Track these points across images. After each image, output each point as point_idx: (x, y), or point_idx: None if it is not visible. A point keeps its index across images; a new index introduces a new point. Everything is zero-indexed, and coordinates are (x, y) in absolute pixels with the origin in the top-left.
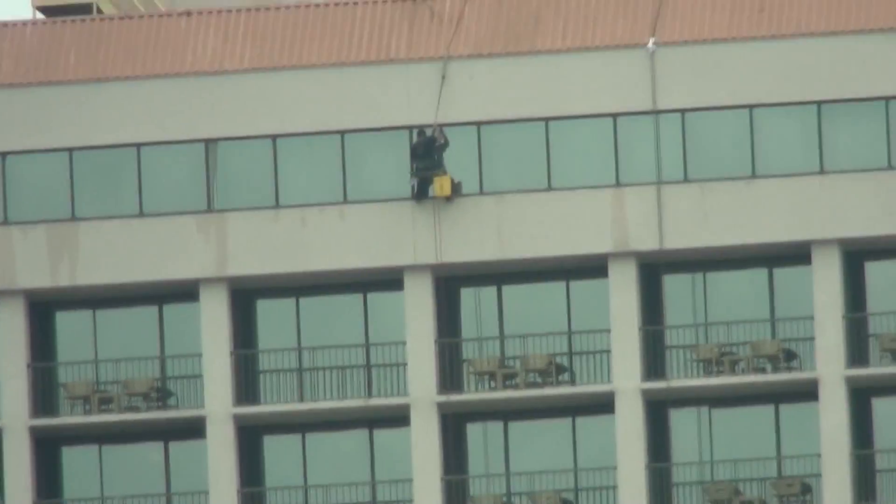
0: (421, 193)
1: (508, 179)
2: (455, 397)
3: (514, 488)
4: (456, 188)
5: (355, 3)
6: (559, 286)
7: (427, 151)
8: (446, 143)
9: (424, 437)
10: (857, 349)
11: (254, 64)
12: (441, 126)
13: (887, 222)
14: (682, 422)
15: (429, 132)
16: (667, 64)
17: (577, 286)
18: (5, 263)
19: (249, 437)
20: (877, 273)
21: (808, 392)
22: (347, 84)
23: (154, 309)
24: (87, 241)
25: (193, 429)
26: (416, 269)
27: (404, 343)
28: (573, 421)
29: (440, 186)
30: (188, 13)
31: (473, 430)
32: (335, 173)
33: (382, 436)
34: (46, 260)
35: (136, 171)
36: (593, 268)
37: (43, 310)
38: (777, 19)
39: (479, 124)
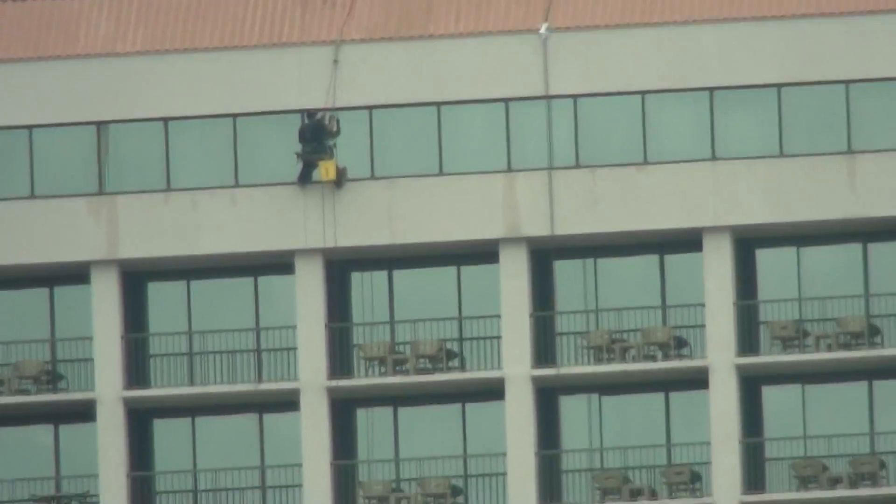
0: (305, 177)
1: (400, 164)
2: (345, 382)
3: (404, 474)
4: (341, 174)
5: None
6: (450, 271)
7: (315, 135)
8: (338, 132)
9: (314, 422)
10: (748, 337)
11: (146, 46)
12: (335, 115)
13: (778, 210)
14: (571, 409)
15: (318, 115)
16: (559, 49)
17: (468, 271)
18: None
19: (139, 421)
20: (767, 260)
21: (698, 380)
22: (240, 67)
23: (45, 291)
24: None
25: (83, 412)
26: (306, 252)
27: (294, 327)
28: (463, 407)
29: (325, 171)
30: None
31: (363, 416)
32: (227, 157)
33: (272, 420)
34: None
35: (27, 153)
36: (484, 253)
37: None
38: (669, 6)
39: (370, 108)
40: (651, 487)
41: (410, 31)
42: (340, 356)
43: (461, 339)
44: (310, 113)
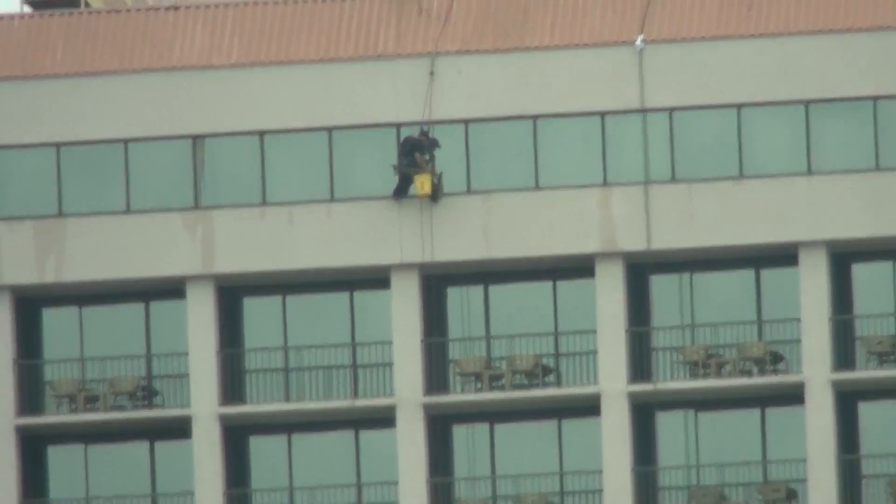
0: (401, 191)
1: (496, 178)
2: (441, 398)
3: (500, 491)
4: (437, 187)
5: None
6: (546, 286)
7: (412, 149)
8: (432, 145)
9: (410, 439)
10: (844, 352)
11: (241, 59)
12: (427, 129)
13: (874, 224)
14: (668, 425)
15: (426, 130)
16: (655, 62)
17: (564, 286)
18: None
19: (235, 438)
20: (863, 275)
21: (794, 395)
22: (335, 80)
23: (140, 306)
24: (74, 237)
25: (179, 428)
26: (402, 267)
27: (391, 343)
28: (559, 423)
29: (421, 185)
30: (176, 7)
31: (459, 432)
32: (322, 170)
33: (368, 437)
34: (33, 256)
35: (123, 167)
36: (580, 268)
37: (29, 306)
38: (765, 18)
39: (466, 122)
40: None
41: (506, 43)
42: (436, 372)
43: (557, 355)
44: (421, 129)
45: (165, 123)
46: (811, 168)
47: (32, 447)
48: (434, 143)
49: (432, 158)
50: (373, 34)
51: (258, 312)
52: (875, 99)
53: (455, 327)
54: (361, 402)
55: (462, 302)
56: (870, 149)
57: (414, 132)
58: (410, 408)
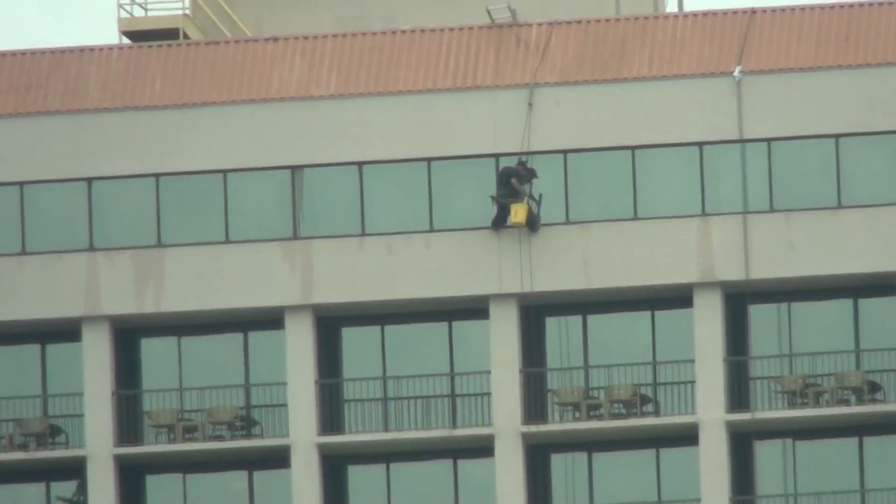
0: (500, 221)
1: (594, 208)
2: (539, 428)
3: None
4: (533, 218)
5: (442, 30)
6: (644, 316)
7: (512, 177)
8: (529, 175)
9: (509, 468)
10: None
11: (340, 90)
12: (525, 160)
13: None
14: (766, 454)
15: (520, 159)
16: (753, 92)
17: (662, 316)
18: (91, 290)
19: (334, 467)
20: None
21: (892, 424)
22: (433, 111)
23: (239, 336)
24: (173, 267)
25: (278, 458)
26: (501, 297)
27: (489, 372)
28: (657, 452)
29: (515, 213)
30: (275, 39)
31: (557, 461)
32: (421, 201)
33: (467, 466)
34: (132, 286)
35: (222, 198)
36: (678, 297)
37: (128, 336)
38: (863, 49)
39: (565, 152)
40: None
41: (604, 74)
42: (535, 401)
43: (655, 384)
44: (519, 159)
45: (264, 154)
46: None
47: (131, 477)
48: (532, 174)
49: (531, 188)
50: (471, 65)
51: (357, 342)
52: None
53: (553, 357)
54: (460, 432)
55: (560, 332)
56: None
57: (512, 163)
58: (509, 437)
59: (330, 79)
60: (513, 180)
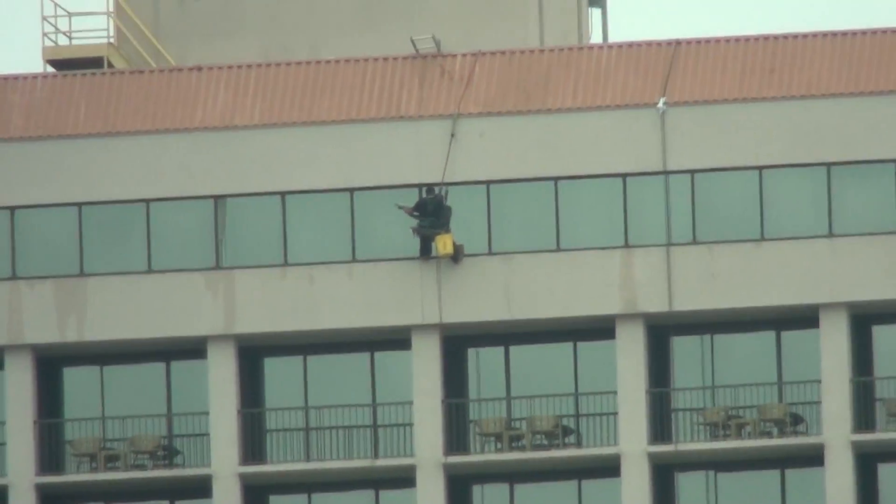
0: (425, 251)
1: (517, 239)
2: (461, 459)
3: None
4: (458, 249)
5: (366, 60)
6: (566, 347)
7: (436, 210)
8: (435, 204)
9: (430, 499)
10: (864, 413)
11: (264, 120)
12: (436, 191)
13: (895, 286)
14: (688, 486)
15: (437, 191)
16: (677, 124)
17: (585, 347)
18: (13, 318)
19: (255, 497)
20: (884, 337)
21: (814, 457)
22: (357, 141)
23: (161, 366)
24: (96, 296)
25: (199, 487)
26: (423, 328)
27: (411, 403)
28: (579, 484)
29: (443, 244)
30: (199, 68)
31: (479, 492)
32: (344, 231)
33: (389, 497)
34: (54, 315)
35: (144, 227)
36: (601, 329)
37: (50, 365)
38: (787, 80)
39: (488, 183)
40: None
41: (528, 105)
42: (457, 432)
43: (577, 416)
44: (430, 188)
45: (187, 184)
46: (832, 230)
47: None
48: (437, 201)
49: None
50: (395, 95)
51: (279, 372)
52: None
53: (475, 388)
54: (382, 462)
55: (482, 363)
56: (891, 211)
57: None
58: (431, 468)
59: (254, 108)
60: (403, 206)
